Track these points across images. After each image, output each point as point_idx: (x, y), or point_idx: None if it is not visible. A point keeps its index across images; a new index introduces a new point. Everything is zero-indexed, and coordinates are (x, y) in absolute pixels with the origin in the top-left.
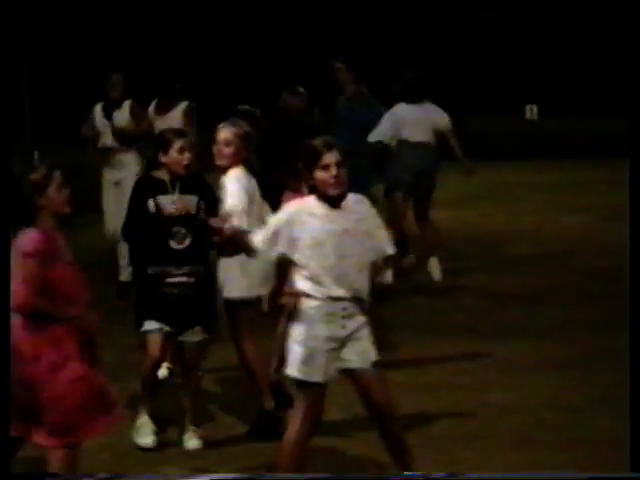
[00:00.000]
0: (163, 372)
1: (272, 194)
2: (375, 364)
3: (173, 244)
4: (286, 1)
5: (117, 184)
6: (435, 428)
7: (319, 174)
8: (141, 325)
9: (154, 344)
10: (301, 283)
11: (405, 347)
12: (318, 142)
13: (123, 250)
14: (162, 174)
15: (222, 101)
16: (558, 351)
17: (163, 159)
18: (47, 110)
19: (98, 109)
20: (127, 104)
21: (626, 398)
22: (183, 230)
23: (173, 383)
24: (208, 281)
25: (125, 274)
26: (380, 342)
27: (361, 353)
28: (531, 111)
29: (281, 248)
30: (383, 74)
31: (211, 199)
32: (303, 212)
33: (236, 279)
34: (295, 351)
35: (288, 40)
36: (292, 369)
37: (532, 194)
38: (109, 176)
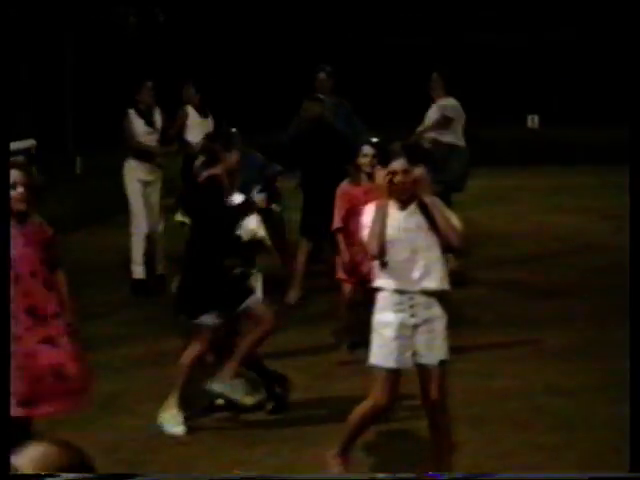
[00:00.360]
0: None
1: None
2: (442, 363)
3: None
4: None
5: (148, 184)
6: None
7: (386, 178)
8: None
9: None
10: (377, 275)
11: None
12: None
13: (139, 248)
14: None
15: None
16: (557, 341)
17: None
18: (90, 116)
19: (133, 114)
20: (158, 111)
21: (620, 384)
22: None
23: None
24: None
25: (139, 270)
26: None
27: (431, 348)
28: (532, 120)
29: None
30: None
31: None
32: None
33: None
34: (373, 338)
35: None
36: (370, 355)
37: (533, 197)
38: (143, 176)
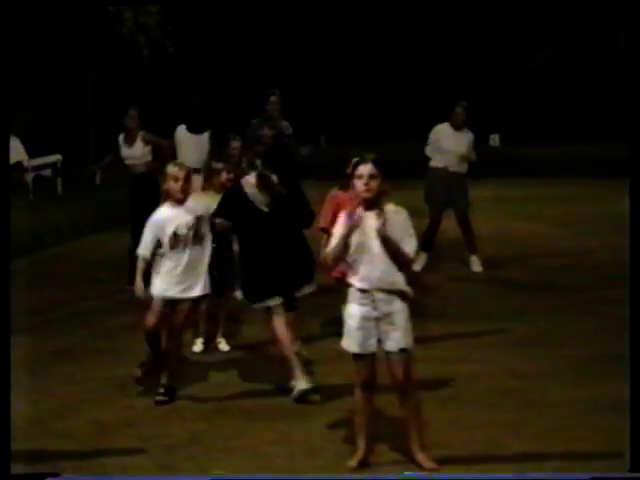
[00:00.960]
0: (199, 347)
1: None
2: (403, 350)
3: None
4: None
5: None
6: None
7: (355, 182)
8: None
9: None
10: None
11: None
12: (357, 157)
13: None
14: None
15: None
16: (518, 331)
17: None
18: (108, 134)
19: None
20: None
21: (573, 370)
22: None
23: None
24: None
25: None
26: None
27: (392, 338)
28: (494, 139)
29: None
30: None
31: None
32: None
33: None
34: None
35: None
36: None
37: (496, 206)
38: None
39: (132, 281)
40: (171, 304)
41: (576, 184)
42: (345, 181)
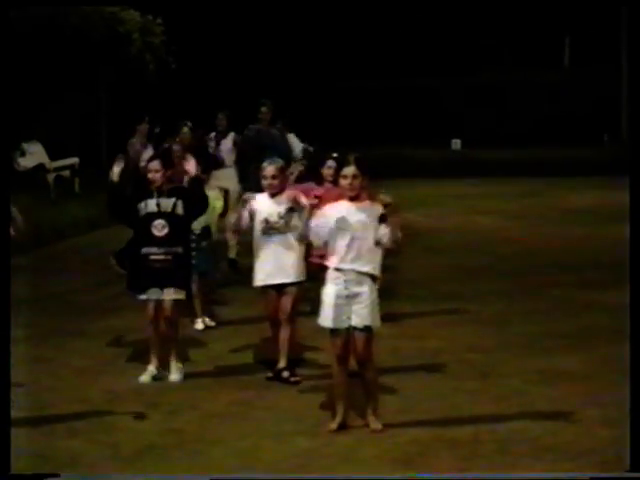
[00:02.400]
0: (199, 326)
1: None
2: (367, 328)
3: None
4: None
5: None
6: (386, 364)
7: (340, 181)
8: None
9: (149, 310)
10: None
11: None
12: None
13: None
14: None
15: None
16: (478, 311)
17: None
18: (120, 139)
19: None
20: (231, 135)
21: (523, 344)
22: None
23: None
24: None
25: (233, 252)
26: None
27: (358, 315)
28: (456, 144)
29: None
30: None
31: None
32: (334, 207)
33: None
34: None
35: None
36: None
37: (457, 202)
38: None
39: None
40: (276, 289)
41: (528, 182)
42: (319, 176)
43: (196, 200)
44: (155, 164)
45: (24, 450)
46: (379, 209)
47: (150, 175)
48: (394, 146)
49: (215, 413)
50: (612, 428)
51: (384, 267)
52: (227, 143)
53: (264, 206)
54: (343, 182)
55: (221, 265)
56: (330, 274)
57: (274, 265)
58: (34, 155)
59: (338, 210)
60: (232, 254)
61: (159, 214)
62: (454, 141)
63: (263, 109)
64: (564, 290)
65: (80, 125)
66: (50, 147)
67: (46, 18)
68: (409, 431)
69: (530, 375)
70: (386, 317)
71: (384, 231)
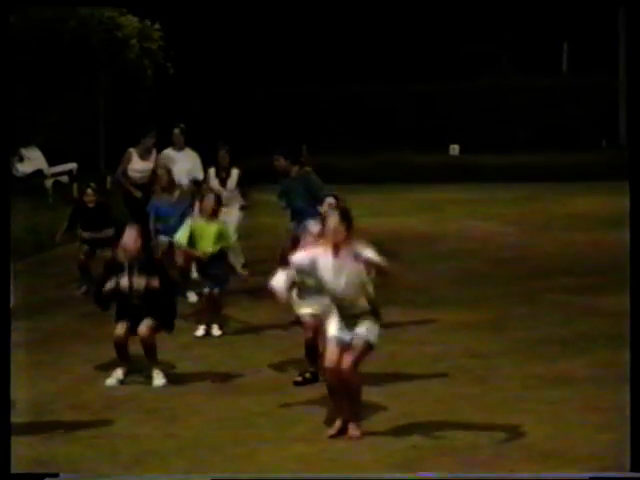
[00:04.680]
0: (200, 332)
1: None
2: (365, 341)
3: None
4: None
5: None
6: (385, 370)
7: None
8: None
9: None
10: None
11: None
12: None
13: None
14: None
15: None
16: (474, 317)
17: None
18: (117, 144)
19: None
20: (235, 172)
21: (522, 350)
22: None
23: None
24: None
25: (238, 265)
26: None
27: (359, 333)
28: (454, 149)
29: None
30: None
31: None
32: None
33: None
34: None
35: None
36: None
37: (455, 207)
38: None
39: None
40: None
41: (526, 188)
42: None
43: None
44: (132, 233)
45: (23, 455)
46: (363, 243)
47: (125, 242)
48: (392, 151)
49: (213, 419)
50: (612, 433)
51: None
52: (232, 182)
53: None
54: (327, 233)
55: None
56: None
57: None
58: (32, 161)
59: (323, 259)
60: (239, 265)
61: (131, 293)
62: (452, 146)
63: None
64: (563, 295)
65: (78, 131)
66: (48, 153)
67: (44, 23)
68: (408, 437)
69: (529, 380)
70: (385, 323)
71: (368, 253)
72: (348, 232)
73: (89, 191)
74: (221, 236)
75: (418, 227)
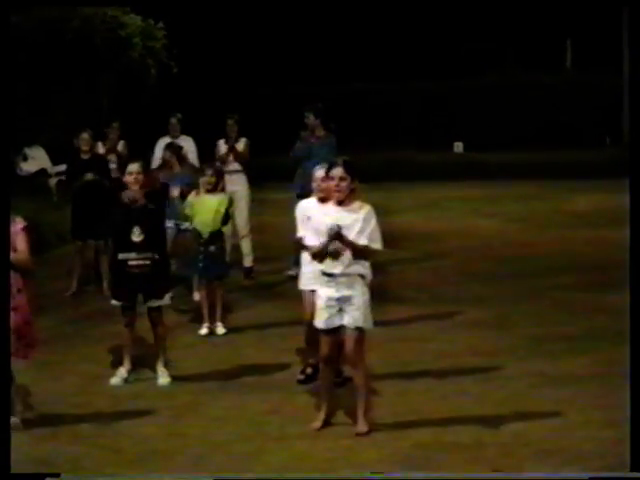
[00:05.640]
0: (203, 331)
1: None
2: (358, 328)
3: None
4: None
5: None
6: (390, 367)
7: (328, 183)
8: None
9: (124, 317)
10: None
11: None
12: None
13: (246, 243)
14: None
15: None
16: (478, 314)
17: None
18: (124, 138)
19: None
20: (243, 140)
21: (526, 347)
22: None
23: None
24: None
25: (248, 260)
26: None
27: (351, 317)
28: (457, 147)
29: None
30: None
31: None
32: (319, 210)
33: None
34: None
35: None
36: None
37: (458, 204)
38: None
39: None
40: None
41: (530, 185)
42: None
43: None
44: (134, 167)
45: (28, 454)
46: (367, 209)
47: (129, 178)
48: (396, 149)
49: (218, 417)
50: (616, 431)
51: (386, 270)
52: (240, 148)
53: None
54: (330, 184)
55: (233, 270)
56: (321, 278)
57: None
58: (36, 160)
59: (325, 214)
60: (248, 262)
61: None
62: (456, 144)
63: (173, 120)
64: (567, 292)
65: (82, 129)
66: (52, 151)
67: (47, 22)
68: (412, 434)
69: (533, 378)
70: (388, 320)
71: (375, 232)
72: (352, 186)
73: (84, 135)
74: (220, 210)
75: (421, 225)
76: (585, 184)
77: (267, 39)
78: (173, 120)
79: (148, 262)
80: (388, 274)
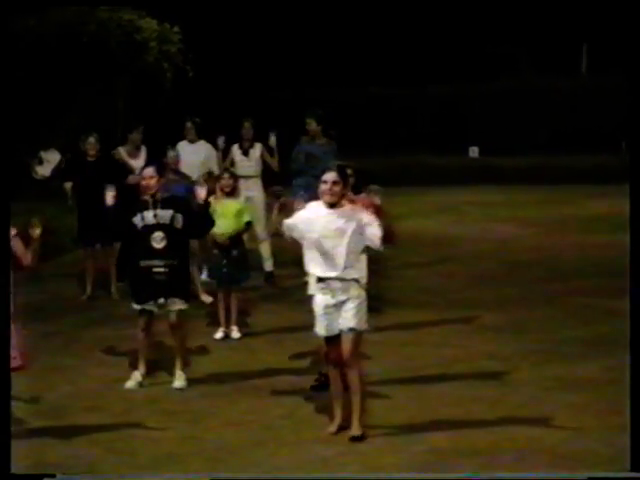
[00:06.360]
0: (219, 335)
1: None
2: (352, 330)
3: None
4: None
5: (249, 199)
6: (405, 372)
7: (320, 186)
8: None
9: (141, 319)
10: (309, 264)
11: (384, 317)
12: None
13: (265, 247)
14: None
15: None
16: (493, 318)
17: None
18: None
19: (236, 147)
20: (258, 145)
21: (542, 352)
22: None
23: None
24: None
25: (268, 264)
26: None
27: (345, 319)
28: (473, 151)
29: (295, 235)
30: None
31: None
32: (313, 213)
33: None
34: None
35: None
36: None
37: (472, 209)
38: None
39: None
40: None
41: (545, 190)
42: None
43: (196, 223)
44: (149, 170)
45: (44, 459)
46: (361, 215)
47: (144, 182)
48: (411, 153)
49: (233, 421)
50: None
51: (401, 275)
52: (255, 152)
53: None
54: (323, 187)
55: (252, 274)
56: (316, 284)
57: None
58: (52, 163)
59: (317, 215)
60: (268, 266)
61: (157, 226)
62: (472, 148)
63: (188, 124)
64: (582, 298)
65: (97, 133)
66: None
67: (63, 26)
68: (427, 439)
69: (548, 382)
70: (404, 325)
71: (373, 231)
72: (344, 190)
73: (90, 139)
74: (240, 214)
75: (436, 229)
76: (601, 189)
77: (283, 43)
78: (189, 124)
79: (169, 268)
80: (403, 279)
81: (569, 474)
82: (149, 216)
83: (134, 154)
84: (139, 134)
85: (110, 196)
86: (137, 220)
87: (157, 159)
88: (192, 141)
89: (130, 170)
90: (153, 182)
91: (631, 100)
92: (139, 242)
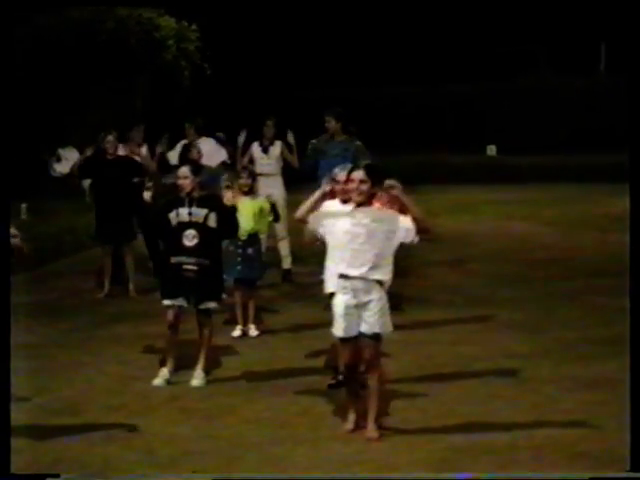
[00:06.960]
0: (236, 333)
1: None
2: (375, 335)
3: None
4: None
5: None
6: (423, 370)
7: (349, 185)
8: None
9: (169, 315)
10: (332, 259)
11: (403, 315)
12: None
13: (284, 245)
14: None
15: None
16: (511, 317)
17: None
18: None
19: (256, 145)
20: (279, 143)
21: (560, 351)
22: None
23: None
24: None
25: (287, 262)
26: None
27: (368, 323)
28: (491, 150)
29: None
30: None
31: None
32: (341, 210)
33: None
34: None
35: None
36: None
37: (491, 208)
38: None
39: None
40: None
41: (563, 188)
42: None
43: (229, 223)
44: (184, 170)
45: (61, 456)
46: (393, 217)
47: (179, 181)
48: (429, 152)
49: (250, 419)
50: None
51: (419, 273)
52: (275, 150)
53: None
54: (351, 186)
55: (270, 272)
56: (338, 282)
57: None
58: (69, 161)
59: (345, 213)
60: (286, 264)
61: (190, 224)
62: (489, 147)
63: (268, 122)
64: (600, 296)
65: (116, 131)
66: None
67: (82, 24)
68: (445, 437)
69: (566, 382)
70: (422, 323)
71: (406, 226)
72: (373, 189)
73: (110, 138)
74: (261, 213)
75: (455, 227)
76: (619, 187)
77: (301, 41)
78: (187, 125)
79: (200, 267)
80: (421, 277)
81: (570, 474)
82: (184, 213)
83: (135, 152)
84: (139, 132)
85: (148, 195)
86: (172, 216)
87: (183, 155)
88: (191, 140)
89: (146, 170)
90: (188, 182)
91: (631, 100)
92: (171, 238)
